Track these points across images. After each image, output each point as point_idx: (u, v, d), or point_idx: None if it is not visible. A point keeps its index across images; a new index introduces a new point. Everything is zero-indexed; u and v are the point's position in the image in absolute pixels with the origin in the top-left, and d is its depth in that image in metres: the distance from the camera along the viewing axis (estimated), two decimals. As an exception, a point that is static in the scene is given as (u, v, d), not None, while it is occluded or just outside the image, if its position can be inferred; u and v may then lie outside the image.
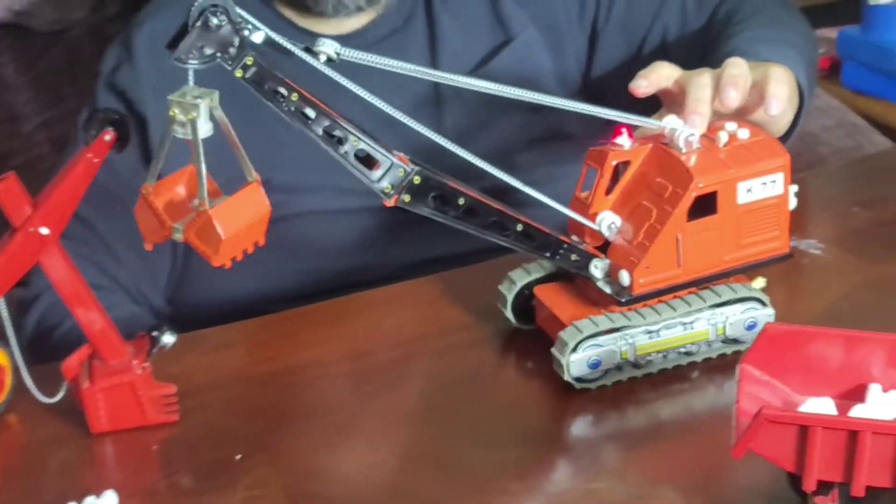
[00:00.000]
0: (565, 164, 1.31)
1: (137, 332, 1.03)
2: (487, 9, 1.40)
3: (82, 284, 1.00)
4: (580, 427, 1.03)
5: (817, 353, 0.91)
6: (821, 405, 0.88)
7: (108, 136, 0.97)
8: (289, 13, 1.37)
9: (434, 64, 1.36)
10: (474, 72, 1.35)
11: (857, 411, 0.88)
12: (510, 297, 1.09)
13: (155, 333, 1.03)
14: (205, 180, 0.93)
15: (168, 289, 1.36)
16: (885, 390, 0.90)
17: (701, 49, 1.34)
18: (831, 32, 2.15)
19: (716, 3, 1.40)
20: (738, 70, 1.11)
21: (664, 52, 1.37)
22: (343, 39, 1.32)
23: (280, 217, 1.33)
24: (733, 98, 1.09)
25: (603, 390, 1.03)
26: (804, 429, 0.82)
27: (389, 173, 0.98)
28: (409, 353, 1.10)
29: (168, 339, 1.03)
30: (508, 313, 1.09)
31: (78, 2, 1.89)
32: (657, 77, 1.13)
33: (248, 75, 0.94)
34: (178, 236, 0.93)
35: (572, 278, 1.07)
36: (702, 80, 1.09)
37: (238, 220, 0.94)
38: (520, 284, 1.08)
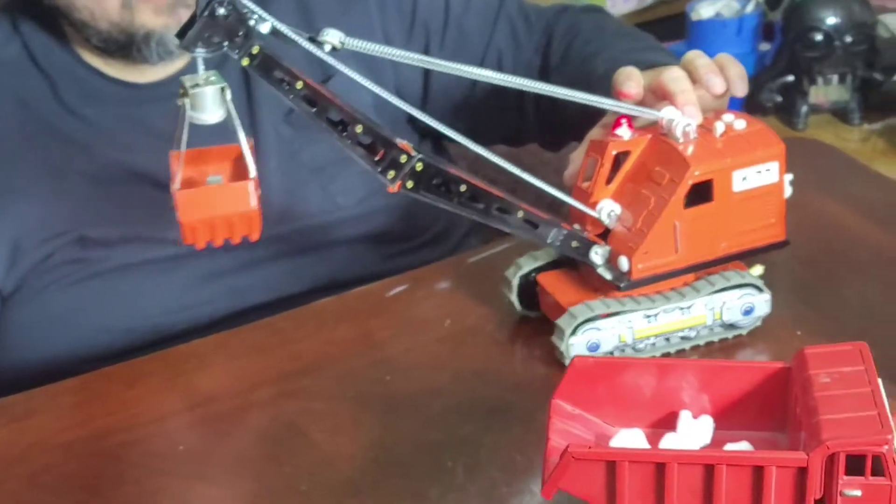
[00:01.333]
0: None
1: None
2: (303, 47, 1.37)
3: None
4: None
5: (629, 383, 0.90)
6: (631, 437, 0.87)
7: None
8: (98, 63, 1.32)
9: (250, 105, 1.33)
10: (290, 111, 1.33)
11: (668, 440, 0.87)
12: (515, 283, 1.11)
13: None
14: (182, 159, 0.96)
15: None
16: (695, 416, 0.89)
17: (543, 71, 1.36)
18: (659, 50, 2.18)
19: (543, 25, 1.40)
20: (704, 60, 1.13)
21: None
22: (157, 86, 1.31)
23: (97, 272, 1.31)
24: (719, 84, 1.11)
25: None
26: (612, 464, 0.81)
27: (392, 160, 1.00)
28: (239, 406, 1.07)
29: None
30: (514, 298, 1.11)
31: None
32: (638, 79, 1.13)
33: (254, 63, 0.97)
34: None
35: (576, 266, 1.09)
36: (677, 74, 1.10)
37: (207, 210, 0.96)
38: (525, 269, 1.11)
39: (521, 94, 1.35)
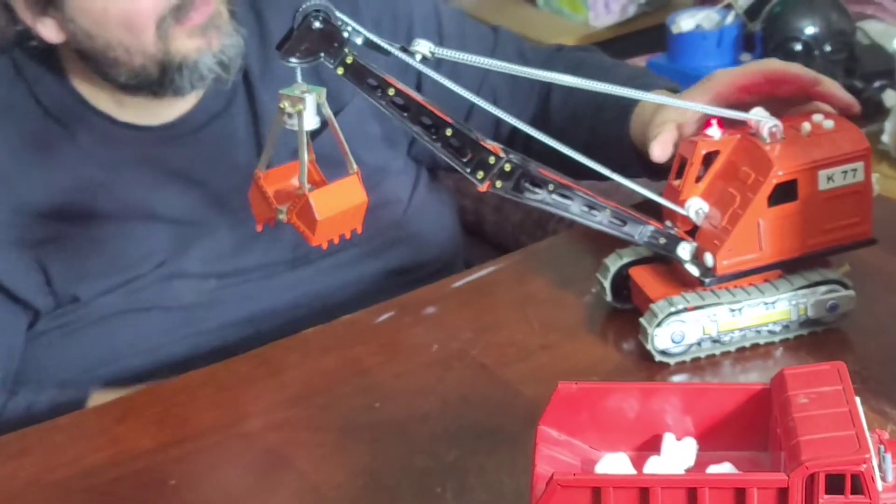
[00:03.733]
0: None
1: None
2: (311, 81, 1.38)
3: None
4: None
5: (613, 408, 0.91)
6: (616, 461, 0.88)
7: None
8: (109, 107, 1.31)
9: (258, 145, 1.34)
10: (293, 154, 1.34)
11: (652, 463, 0.88)
12: (608, 278, 1.15)
13: None
14: (306, 167, 1.02)
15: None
16: (678, 438, 0.90)
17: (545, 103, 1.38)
18: (640, 61, 2.19)
19: (542, 59, 1.42)
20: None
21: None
22: (169, 127, 1.32)
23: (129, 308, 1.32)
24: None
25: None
26: (597, 490, 0.82)
27: (481, 161, 1.04)
28: (228, 437, 1.08)
29: None
30: (608, 294, 1.15)
31: None
32: (668, 137, 1.16)
33: (348, 72, 1.02)
34: (282, 217, 1.04)
35: (668, 261, 1.12)
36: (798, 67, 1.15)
37: (334, 206, 1.04)
38: (615, 267, 1.14)
39: (513, 132, 1.36)
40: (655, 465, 0.87)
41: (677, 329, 1.08)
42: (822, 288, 1.09)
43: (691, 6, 2.25)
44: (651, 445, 0.90)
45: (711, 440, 0.90)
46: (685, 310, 1.08)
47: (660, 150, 1.16)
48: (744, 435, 0.89)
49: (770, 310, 1.09)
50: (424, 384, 1.12)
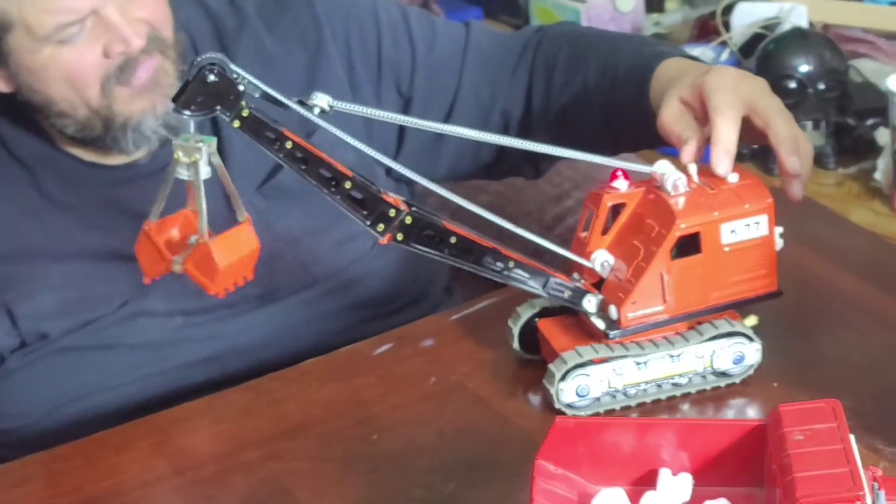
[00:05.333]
0: None
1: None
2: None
3: None
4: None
5: (610, 442, 0.92)
6: (612, 496, 0.89)
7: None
8: (75, 149, 1.31)
9: (218, 181, 1.32)
10: (270, 177, 1.34)
11: (648, 498, 0.89)
12: (517, 328, 1.14)
13: None
14: (205, 217, 1.03)
15: None
16: (674, 473, 0.91)
17: (533, 86, 1.35)
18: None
19: (521, 45, 1.38)
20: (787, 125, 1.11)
21: (478, 107, 1.38)
22: (129, 168, 1.31)
23: (90, 345, 1.32)
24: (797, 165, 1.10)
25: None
26: (594, 524, 0.83)
27: (382, 214, 1.03)
28: (226, 469, 1.08)
29: None
30: (515, 344, 1.15)
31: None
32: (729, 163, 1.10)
33: (244, 125, 1.03)
34: (177, 268, 1.05)
35: (576, 313, 1.12)
36: (728, 116, 1.08)
37: (232, 254, 1.06)
38: (528, 315, 1.14)
39: (506, 123, 1.36)
40: (651, 500, 0.88)
41: (582, 382, 1.07)
42: (727, 340, 1.09)
43: (687, 42, 2.26)
44: (647, 480, 0.91)
45: (707, 475, 0.91)
46: (591, 362, 1.07)
47: (688, 157, 1.12)
48: (740, 471, 0.91)
49: (676, 362, 1.08)
50: (422, 416, 1.13)
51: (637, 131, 1.25)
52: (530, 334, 1.14)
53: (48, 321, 1.29)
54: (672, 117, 1.14)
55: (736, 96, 1.10)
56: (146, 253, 1.08)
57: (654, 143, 1.21)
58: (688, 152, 1.11)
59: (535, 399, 1.13)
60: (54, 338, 1.29)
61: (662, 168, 1.08)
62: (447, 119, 1.39)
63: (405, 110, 1.40)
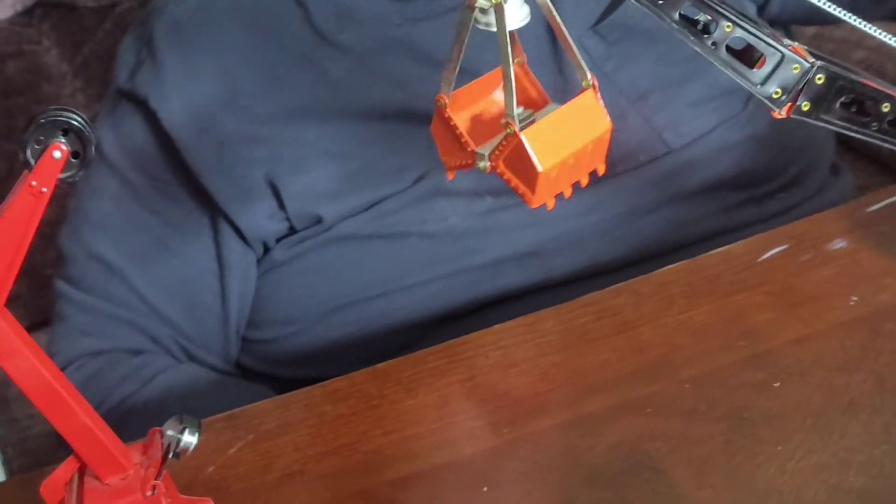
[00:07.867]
0: None
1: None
2: None
3: (52, 372, 0.68)
4: None
5: None
6: None
7: (58, 151, 0.65)
8: None
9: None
10: (609, 11, 1.02)
11: None
12: None
13: (170, 432, 0.71)
14: (513, 92, 0.66)
15: (225, 351, 1.05)
16: None
17: None
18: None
19: None
20: None
21: None
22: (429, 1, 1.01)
23: (375, 233, 1.03)
24: None
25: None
26: None
27: (779, 71, 0.68)
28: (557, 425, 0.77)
29: (189, 438, 0.70)
30: None
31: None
32: None
33: None
34: (483, 164, 0.68)
35: None
36: None
37: (563, 144, 0.68)
38: None
39: None
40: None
41: None
42: None
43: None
44: None
45: None
46: None
47: None
48: None
49: None
50: (842, 356, 0.78)
51: None
52: None
53: (323, 201, 1.00)
54: None
55: None
56: (444, 137, 0.72)
57: None
58: None
59: None
60: (330, 222, 1.01)
61: None
62: None
63: None
